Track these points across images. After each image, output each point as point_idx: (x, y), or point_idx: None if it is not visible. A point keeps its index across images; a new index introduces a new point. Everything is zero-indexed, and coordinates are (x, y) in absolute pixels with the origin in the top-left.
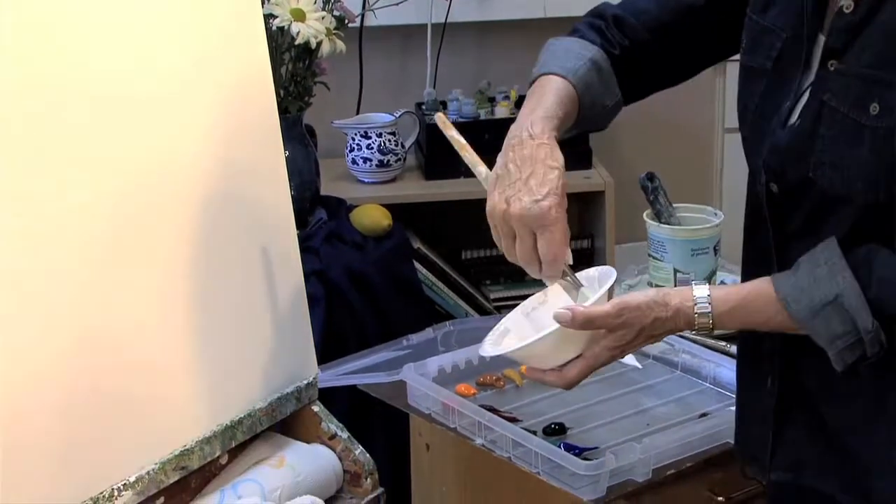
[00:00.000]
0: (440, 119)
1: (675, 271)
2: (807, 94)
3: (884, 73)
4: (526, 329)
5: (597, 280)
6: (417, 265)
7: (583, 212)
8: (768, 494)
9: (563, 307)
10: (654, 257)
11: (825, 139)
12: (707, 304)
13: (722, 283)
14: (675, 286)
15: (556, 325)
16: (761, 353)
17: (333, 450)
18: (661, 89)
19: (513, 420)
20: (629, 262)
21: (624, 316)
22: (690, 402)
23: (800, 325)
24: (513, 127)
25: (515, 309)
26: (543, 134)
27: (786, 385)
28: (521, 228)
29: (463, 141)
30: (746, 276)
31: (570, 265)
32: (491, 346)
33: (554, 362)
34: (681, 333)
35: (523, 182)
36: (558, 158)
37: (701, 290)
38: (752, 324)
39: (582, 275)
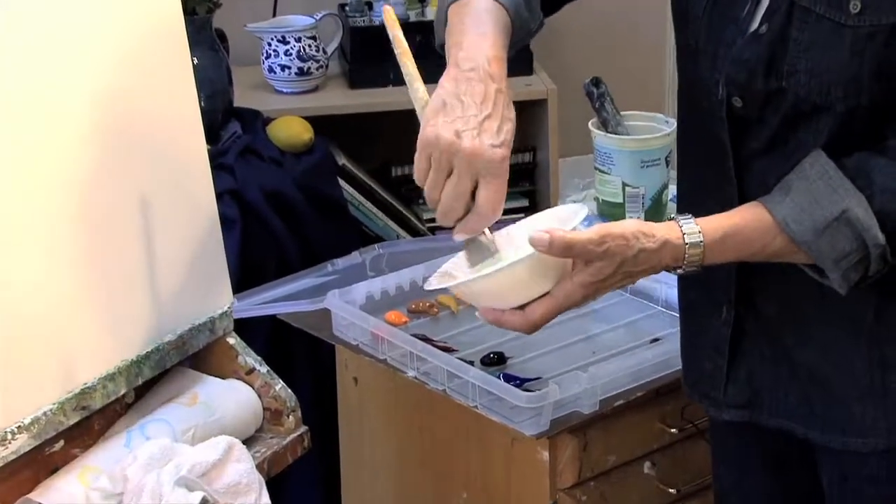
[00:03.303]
0: (388, 15)
1: (624, 185)
2: None
3: None
4: (468, 272)
5: (556, 221)
6: (342, 183)
7: (524, 122)
8: (713, 436)
9: (540, 230)
10: (600, 170)
11: (798, 44)
12: (698, 234)
13: (673, 199)
14: (624, 203)
15: (523, 254)
16: (714, 279)
17: (252, 385)
18: None
19: (448, 350)
20: (573, 176)
21: (606, 244)
22: (641, 327)
23: (804, 246)
24: (463, 55)
25: (455, 255)
26: (502, 79)
27: (742, 313)
28: (464, 168)
29: (406, 47)
30: (691, 207)
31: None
32: (434, 282)
33: (515, 300)
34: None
35: (479, 121)
36: (512, 112)
37: (687, 220)
38: (745, 253)
39: (550, 213)
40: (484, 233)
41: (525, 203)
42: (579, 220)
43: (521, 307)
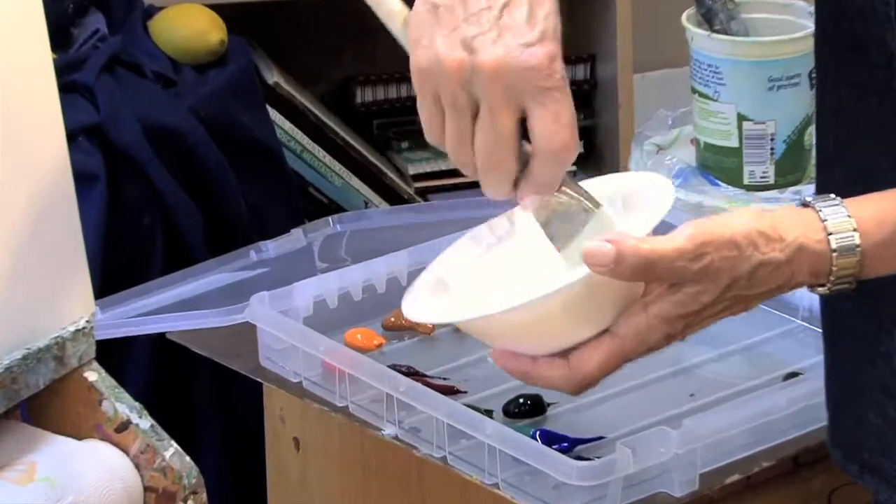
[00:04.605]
0: None
1: (741, 118)
2: None
3: None
4: (483, 279)
5: (621, 200)
6: (274, 115)
7: (577, 19)
8: None
9: (598, 239)
10: (701, 94)
11: None
12: (851, 233)
13: None
14: (740, 148)
15: (574, 277)
16: (878, 283)
17: (125, 450)
18: None
19: (450, 392)
20: (656, 104)
21: (707, 257)
22: (769, 354)
23: None
24: None
25: (460, 239)
26: None
27: None
28: (495, 95)
29: None
30: (838, 177)
31: (572, 172)
32: (418, 303)
33: (555, 343)
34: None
35: (496, 15)
36: None
37: (832, 206)
38: None
39: (616, 182)
40: (566, 190)
41: (573, 168)
42: (663, 212)
43: (563, 353)
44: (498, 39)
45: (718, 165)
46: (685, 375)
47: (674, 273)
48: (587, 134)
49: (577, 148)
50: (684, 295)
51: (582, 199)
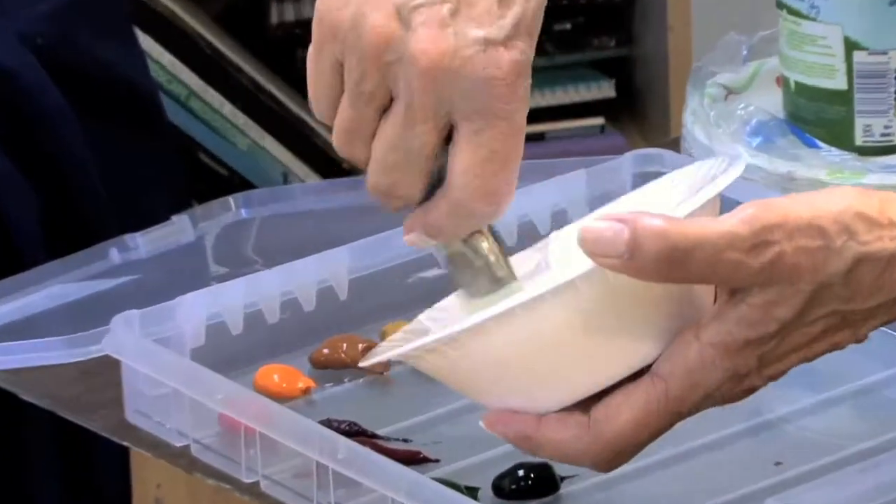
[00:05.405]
0: None
1: (851, 46)
2: None
3: None
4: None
5: (686, 189)
6: (147, 43)
7: None
8: None
9: (609, 215)
10: (791, 10)
11: None
12: None
13: None
14: (850, 90)
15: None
16: None
17: None
18: None
19: (414, 458)
20: (723, 26)
21: (775, 248)
22: (893, 400)
23: None
24: None
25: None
26: None
27: None
28: (426, 99)
29: None
30: None
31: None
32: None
33: (563, 389)
34: None
35: None
36: None
37: None
38: None
39: (682, 174)
40: (479, 238)
41: (599, 121)
42: (714, 190)
43: (583, 405)
44: (449, 21)
45: (818, 117)
46: (768, 433)
47: (723, 271)
48: (621, 70)
49: (505, 204)
50: (750, 308)
51: (491, 264)
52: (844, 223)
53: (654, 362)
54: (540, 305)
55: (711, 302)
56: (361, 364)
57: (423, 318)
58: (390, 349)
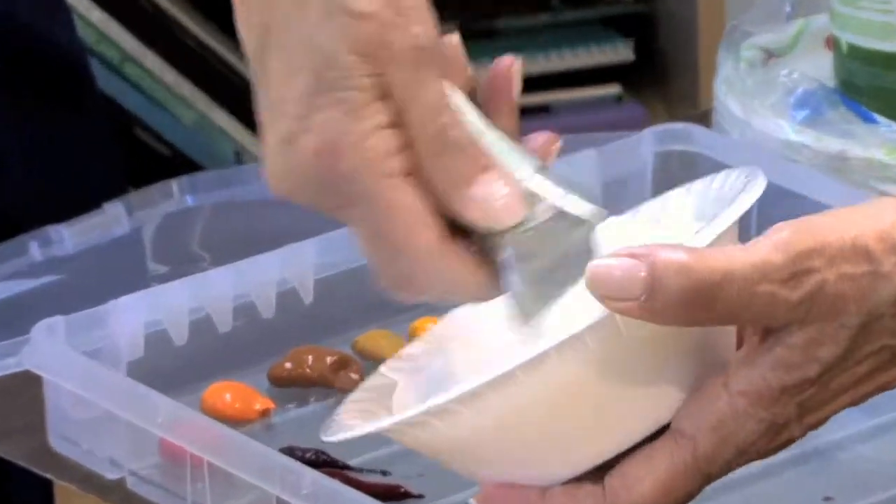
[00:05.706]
0: None
1: None
2: None
3: None
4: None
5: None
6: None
7: None
8: None
9: (621, 250)
10: None
11: None
12: None
13: None
14: None
15: (583, 324)
16: None
17: None
18: None
19: (393, 494)
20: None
21: (816, 277)
22: None
23: None
24: None
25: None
26: None
27: None
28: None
29: None
30: None
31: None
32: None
33: (573, 458)
34: None
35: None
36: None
37: None
38: None
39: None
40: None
41: (614, 89)
42: (739, 210)
43: (593, 474)
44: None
45: (874, 86)
46: (817, 463)
47: (756, 307)
48: (641, 29)
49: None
50: (787, 350)
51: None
52: (893, 241)
53: (672, 418)
54: (543, 365)
55: (734, 343)
56: (325, 439)
57: (386, 369)
58: (359, 422)
